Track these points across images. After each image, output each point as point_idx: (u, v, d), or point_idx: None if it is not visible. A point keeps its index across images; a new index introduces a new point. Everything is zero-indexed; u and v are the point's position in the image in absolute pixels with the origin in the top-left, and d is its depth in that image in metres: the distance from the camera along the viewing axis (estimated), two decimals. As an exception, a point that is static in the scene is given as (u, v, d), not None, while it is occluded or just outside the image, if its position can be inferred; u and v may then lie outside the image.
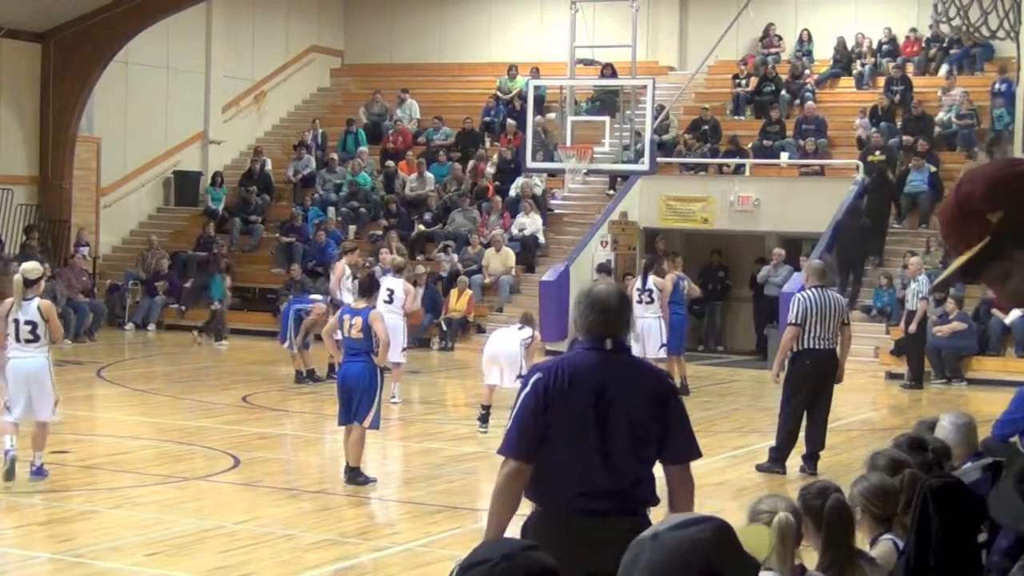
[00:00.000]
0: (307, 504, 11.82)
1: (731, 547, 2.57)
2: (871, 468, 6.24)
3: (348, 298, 19.06)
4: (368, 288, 12.91)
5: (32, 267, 12.60)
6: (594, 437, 5.43)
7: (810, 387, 13.38)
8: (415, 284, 25.15)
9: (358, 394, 12.46)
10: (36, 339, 12.10)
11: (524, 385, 5.60)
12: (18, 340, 12.09)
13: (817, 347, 13.27)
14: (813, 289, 13.49)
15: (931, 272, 23.68)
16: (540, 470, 5.47)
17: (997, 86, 26.69)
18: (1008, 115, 26.10)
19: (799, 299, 13.43)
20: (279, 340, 20.23)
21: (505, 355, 15.36)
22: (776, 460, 13.58)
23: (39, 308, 12.11)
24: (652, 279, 18.80)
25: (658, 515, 5.22)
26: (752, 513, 5.17)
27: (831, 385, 13.51)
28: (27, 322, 12.07)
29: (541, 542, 4.58)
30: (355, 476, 12.49)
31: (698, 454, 5.65)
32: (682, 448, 5.59)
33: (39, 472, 12.24)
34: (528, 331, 15.52)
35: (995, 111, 26.48)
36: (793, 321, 13.32)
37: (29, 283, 12.18)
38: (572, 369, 5.52)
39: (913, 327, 21.13)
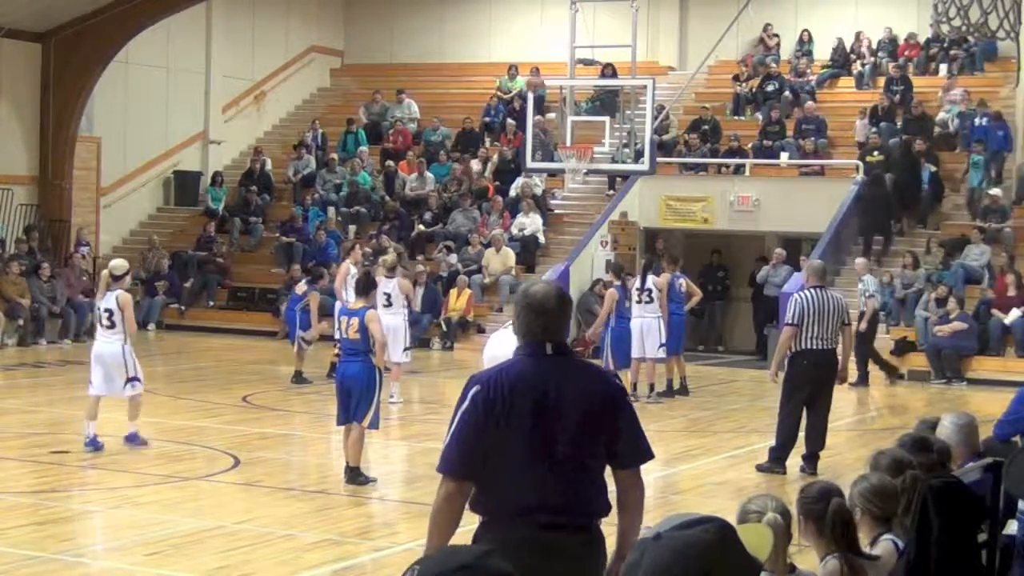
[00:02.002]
0: (307, 504, 11.81)
1: (734, 547, 2.58)
2: (873, 468, 6.24)
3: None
4: (365, 288, 12.85)
5: (118, 264, 14.34)
6: (539, 448, 5.10)
7: (809, 387, 13.34)
8: (415, 283, 25.22)
9: (357, 394, 12.47)
10: (113, 326, 13.78)
11: (462, 398, 5.21)
12: (101, 326, 13.91)
13: (815, 347, 13.20)
14: (812, 289, 13.43)
15: (930, 272, 23.72)
16: (484, 484, 5.17)
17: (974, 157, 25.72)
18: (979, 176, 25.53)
19: (796, 299, 13.40)
20: (289, 341, 20.23)
21: (506, 356, 15.24)
22: (776, 460, 13.57)
23: (117, 300, 13.78)
24: (651, 279, 18.80)
25: (609, 523, 5.24)
26: (742, 513, 5.15)
27: (831, 385, 13.46)
28: (106, 310, 13.81)
29: None
30: (355, 476, 12.49)
31: (650, 456, 5.34)
32: (632, 452, 5.26)
33: (132, 439, 13.93)
34: None
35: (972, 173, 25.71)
36: (790, 321, 13.28)
37: (115, 278, 13.95)
38: (512, 378, 5.18)
39: (863, 325, 21.10)
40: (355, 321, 12.39)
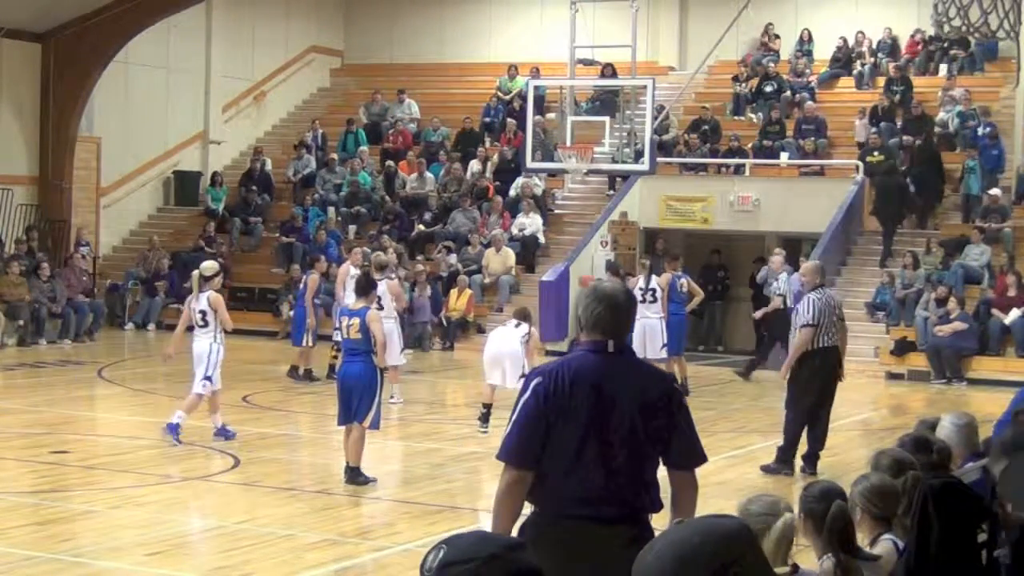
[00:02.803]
0: (307, 504, 11.81)
1: (753, 540, 2.60)
2: (874, 468, 6.23)
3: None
4: (365, 288, 12.90)
5: (209, 265, 14.99)
6: (595, 442, 5.26)
7: (819, 386, 13.38)
8: (414, 283, 25.20)
9: (358, 394, 12.51)
10: (206, 325, 14.50)
11: (524, 389, 5.39)
12: (196, 325, 14.60)
13: (827, 345, 13.30)
14: (819, 289, 13.51)
15: (930, 272, 23.72)
16: (540, 474, 5.30)
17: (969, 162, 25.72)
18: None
19: (813, 300, 13.37)
20: (294, 342, 20.17)
21: (509, 354, 15.29)
22: (784, 461, 13.56)
23: (209, 300, 14.44)
24: (654, 279, 18.86)
25: (661, 521, 5.21)
26: (743, 514, 5.11)
27: (835, 383, 13.53)
28: (200, 311, 14.49)
29: (539, 546, 4.75)
30: (355, 476, 12.51)
31: (703, 459, 5.50)
32: (686, 454, 5.42)
33: (222, 432, 14.50)
34: (524, 327, 15.43)
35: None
36: (810, 322, 13.25)
37: (205, 279, 14.50)
38: (573, 372, 5.33)
39: (758, 314, 21.63)
40: (356, 321, 12.44)
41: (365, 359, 12.48)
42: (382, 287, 17.85)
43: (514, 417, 5.35)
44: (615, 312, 5.40)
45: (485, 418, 15.52)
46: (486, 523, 5.58)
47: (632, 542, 5.15)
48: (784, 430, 13.66)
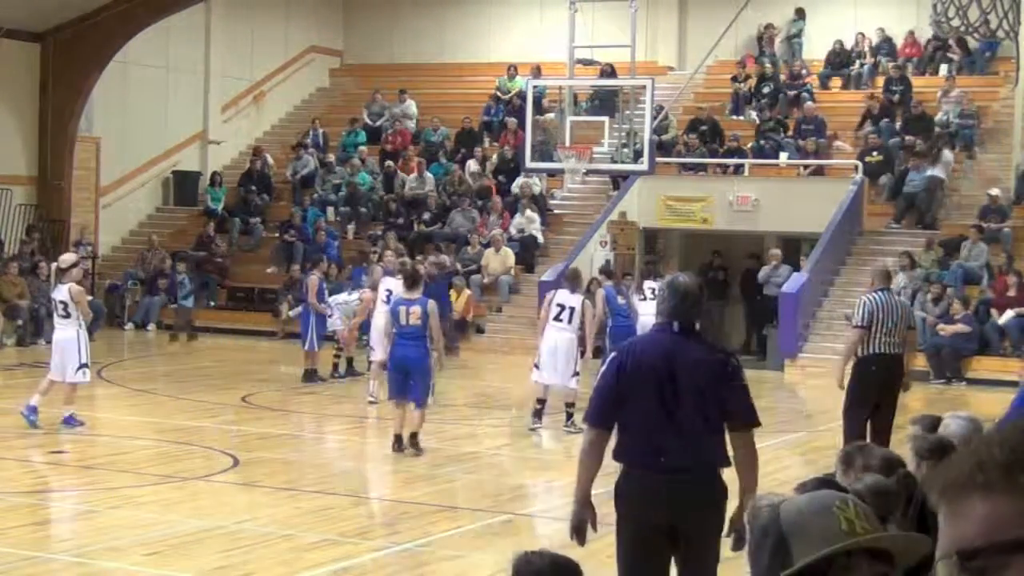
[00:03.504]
0: (307, 504, 11.81)
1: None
2: (865, 468, 6.23)
3: (334, 309, 19.57)
4: (415, 280, 14.13)
5: (65, 258, 15.40)
6: (661, 406, 6.27)
7: (876, 392, 12.77)
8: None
9: (415, 374, 13.75)
10: (68, 315, 14.78)
11: (603, 361, 6.64)
12: (57, 315, 14.98)
13: (884, 352, 12.70)
14: (880, 292, 12.88)
15: (928, 272, 23.70)
16: (622, 435, 6.39)
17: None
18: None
19: (865, 301, 12.82)
20: (302, 344, 20.03)
21: (562, 349, 15.48)
22: None
23: (70, 291, 14.72)
24: (647, 282, 19.13)
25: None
26: (752, 508, 5.10)
27: (896, 390, 12.90)
28: (60, 302, 14.82)
29: (626, 498, 6.39)
30: (414, 441, 13.83)
31: (756, 420, 6.41)
32: (736, 415, 6.34)
33: (69, 421, 14.84)
34: (577, 298, 15.79)
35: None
36: (860, 324, 12.68)
37: (62, 271, 14.87)
38: (641, 347, 6.54)
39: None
40: (416, 308, 13.69)
41: (421, 344, 13.70)
42: (397, 285, 18.02)
43: (595, 386, 6.54)
44: (683, 300, 6.42)
45: (539, 414, 15.84)
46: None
47: (702, 487, 6.31)
48: (844, 436, 12.76)
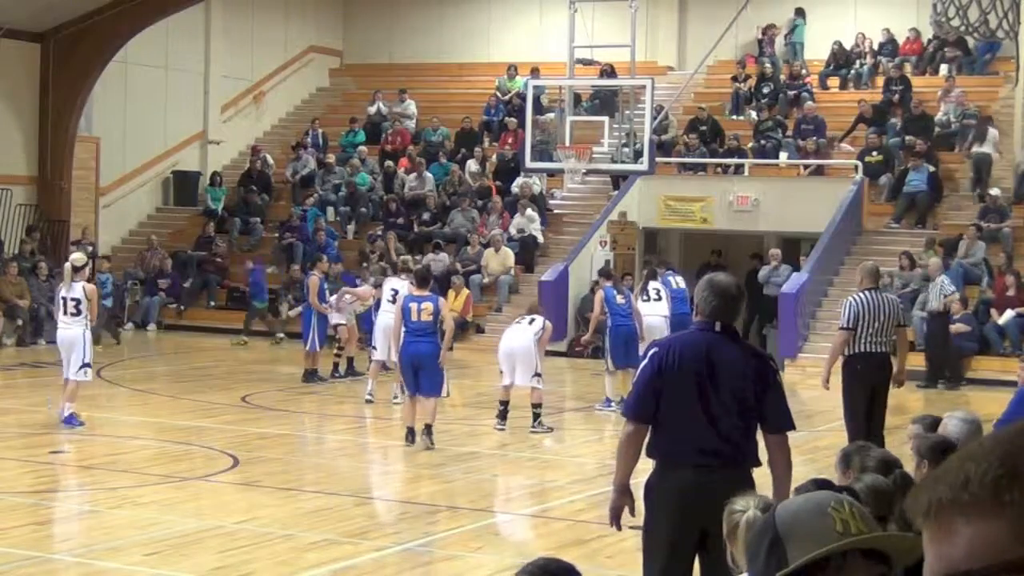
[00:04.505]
0: (307, 504, 11.81)
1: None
2: (861, 469, 6.24)
3: (333, 309, 19.65)
4: (426, 278, 14.55)
5: (78, 256, 15.74)
6: (701, 403, 6.32)
7: (866, 390, 12.76)
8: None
9: (427, 368, 13.95)
10: (78, 313, 15.02)
11: (643, 356, 6.63)
12: (68, 314, 15.21)
13: (870, 350, 12.68)
14: (867, 291, 12.87)
15: (927, 272, 23.68)
16: (658, 430, 6.41)
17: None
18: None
19: (850, 302, 12.81)
20: (304, 344, 19.98)
21: (520, 351, 15.53)
22: None
23: (84, 289, 15.02)
24: (651, 283, 19.05)
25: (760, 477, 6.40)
26: (727, 514, 5.10)
27: (886, 388, 12.94)
28: (73, 299, 15.02)
29: (658, 495, 6.41)
30: (428, 432, 14.02)
31: (791, 426, 6.52)
32: (778, 419, 6.47)
33: (69, 420, 14.93)
34: (539, 323, 15.81)
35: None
36: (845, 325, 12.70)
37: (76, 270, 15.04)
38: (683, 345, 6.51)
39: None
40: (428, 305, 14.04)
41: (432, 339, 14.01)
42: (403, 285, 18.05)
43: (634, 381, 6.66)
44: (724, 300, 6.45)
45: (503, 415, 15.64)
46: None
47: (735, 485, 6.14)
48: (848, 436, 13.00)
